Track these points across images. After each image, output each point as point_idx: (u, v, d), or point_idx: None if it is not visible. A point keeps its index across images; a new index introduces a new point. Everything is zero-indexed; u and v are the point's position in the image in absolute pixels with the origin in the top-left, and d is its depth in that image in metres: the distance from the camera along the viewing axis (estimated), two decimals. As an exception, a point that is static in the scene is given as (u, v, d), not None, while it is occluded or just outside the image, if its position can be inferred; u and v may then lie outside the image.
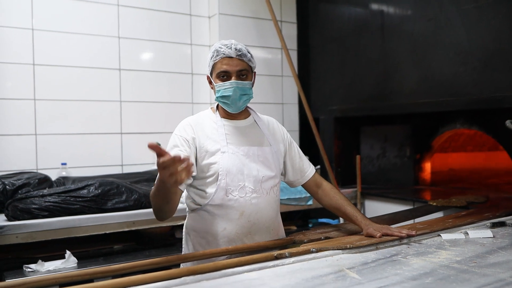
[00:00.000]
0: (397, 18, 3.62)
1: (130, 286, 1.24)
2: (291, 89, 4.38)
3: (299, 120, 4.46)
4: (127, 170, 3.76)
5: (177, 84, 4.04)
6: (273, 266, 1.45)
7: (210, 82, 1.87)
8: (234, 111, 1.84)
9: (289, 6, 4.41)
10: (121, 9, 3.75)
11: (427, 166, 4.01)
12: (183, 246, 1.92)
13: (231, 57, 1.77)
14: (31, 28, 3.41)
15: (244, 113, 1.92)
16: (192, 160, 1.75)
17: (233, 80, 1.77)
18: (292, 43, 4.39)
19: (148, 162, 3.82)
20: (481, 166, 4.73)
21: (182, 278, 1.30)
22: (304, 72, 4.50)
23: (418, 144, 3.94)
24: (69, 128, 3.56)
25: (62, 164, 3.44)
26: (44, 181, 2.99)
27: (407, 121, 3.99)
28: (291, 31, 4.41)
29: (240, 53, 1.78)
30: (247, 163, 1.81)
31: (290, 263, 1.48)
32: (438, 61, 3.28)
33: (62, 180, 3.13)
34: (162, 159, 1.31)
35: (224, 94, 1.78)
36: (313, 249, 1.60)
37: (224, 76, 1.79)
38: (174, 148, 1.77)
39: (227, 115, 1.88)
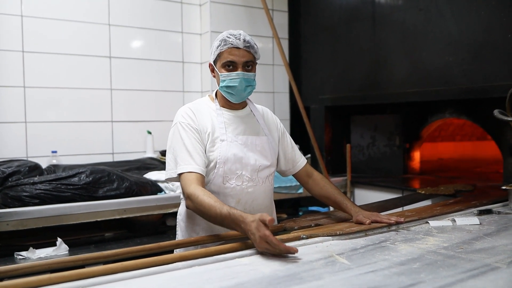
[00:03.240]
0: (388, 7, 3.62)
1: (122, 272, 1.25)
2: (282, 78, 4.38)
3: (290, 109, 4.46)
4: (118, 158, 3.75)
5: (168, 72, 4.02)
6: (264, 252, 1.47)
7: (213, 71, 1.87)
8: (237, 101, 1.84)
9: (280, -5, 4.39)
10: (112, -4, 3.72)
11: (417, 155, 4.06)
12: (177, 233, 1.93)
13: (238, 48, 1.77)
14: (20, 15, 3.37)
15: (242, 102, 1.92)
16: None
17: (239, 71, 1.78)
18: (283, 32, 4.38)
19: (138, 150, 3.82)
20: (470, 155, 4.80)
21: (175, 264, 1.32)
22: (295, 61, 4.50)
23: (407, 133, 3.98)
24: (59, 116, 3.54)
25: (53, 152, 3.43)
26: (34, 168, 2.97)
27: (397, 111, 4.03)
28: (282, 20, 4.40)
29: (248, 44, 1.78)
30: (245, 151, 1.82)
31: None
32: (429, 51, 3.30)
33: (53, 168, 3.12)
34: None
35: (229, 85, 1.79)
36: (304, 236, 1.62)
37: (230, 66, 1.79)
38: (187, 138, 1.74)
39: (226, 105, 1.88)
